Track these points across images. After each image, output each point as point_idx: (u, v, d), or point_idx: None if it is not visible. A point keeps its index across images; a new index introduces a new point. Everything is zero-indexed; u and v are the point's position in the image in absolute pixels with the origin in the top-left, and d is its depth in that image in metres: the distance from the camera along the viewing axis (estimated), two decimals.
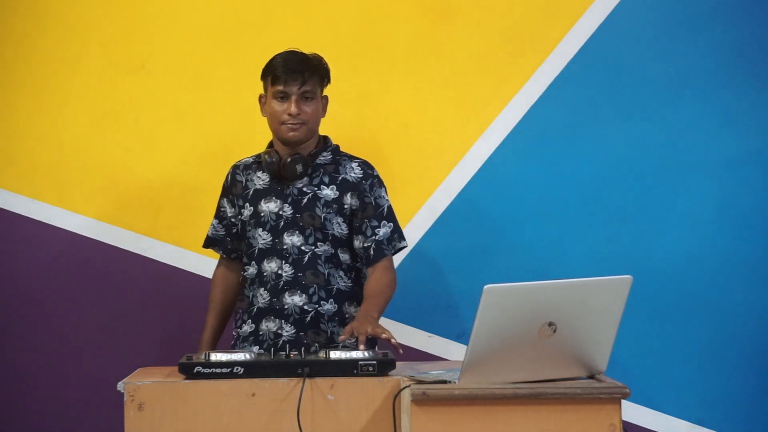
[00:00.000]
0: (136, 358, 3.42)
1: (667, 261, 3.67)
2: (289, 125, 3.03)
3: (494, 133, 3.70)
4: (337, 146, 3.15)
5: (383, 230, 3.10)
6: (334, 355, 2.64)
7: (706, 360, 3.66)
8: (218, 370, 2.60)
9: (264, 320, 3.06)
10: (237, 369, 2.61)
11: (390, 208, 3.13)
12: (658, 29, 3.71)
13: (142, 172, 3.70)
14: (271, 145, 3.14)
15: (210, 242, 3.22)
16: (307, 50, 3.14)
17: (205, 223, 3.65)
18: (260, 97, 3.12)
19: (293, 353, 2.69)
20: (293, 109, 3.02)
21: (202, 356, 2.65)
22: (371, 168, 3.14)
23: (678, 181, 3.69)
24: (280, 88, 3.03)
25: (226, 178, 3.19)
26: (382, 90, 3.73)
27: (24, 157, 3.70)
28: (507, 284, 2.43)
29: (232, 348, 3.13)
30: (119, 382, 2.60)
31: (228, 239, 3.18)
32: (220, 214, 3.19)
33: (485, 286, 2.39)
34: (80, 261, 3.68)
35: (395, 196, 3.64)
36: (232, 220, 3.16)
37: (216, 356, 2.63)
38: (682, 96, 3.70)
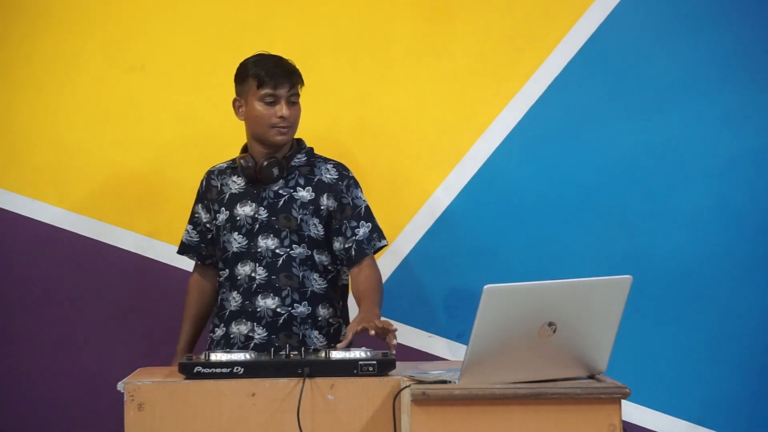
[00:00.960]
0: (136, 358, 3.42)
1: (667, 261, 3.67)
2: (280, 128, 3.03)
3: (494, 133, 3.70)
4: (311, 148, 3.15)
5: (362, 230, 3.08)
6: (334, 355, 2.65)
7: (706, 360, 3.66)
8: (218, 370, 2.60)
9: (234, 323, 3.06)
10: (237, 369, 2.61)
11: (368, 207, 3.12)
12: (658, 29, 3.71)
13: (143, 172, 3.70)
14: (245, 149, 3.14)
15: (184, 249, 3.21)
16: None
17: None
18: (235, 101, 3.10)
19: (293, 353, 2.69)
20: (285, 111, 3.02)
21: (202, 356, 2.66)
22: (346, 169, 3.14)
23: (678, 181, 3.69)
24: (270, 91, 3.02)
25: (201, 183, 3.18)
26: (382, 90, 3.73)
27: (25, 157, 3.70)
28: (507, 284, 2.43)
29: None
30: (119, 382, 2.60)
31: (202, 245, 3.17)
32: (194, 220, 3.18)
33: (485, 286, 2.39)
34: (80, 261, 3.68)
35: (395, 196, 3.65)
36: (207, 225, 3.15)
37: (216, 356, 2.63)
38: (682, 96, 3.70)
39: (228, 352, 2.67)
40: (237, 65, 3.13)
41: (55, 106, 3.70)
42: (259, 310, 3.04)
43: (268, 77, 3.02)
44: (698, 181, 3.69)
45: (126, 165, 3.70)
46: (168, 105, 3.70)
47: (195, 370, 2.61)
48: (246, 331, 3.04)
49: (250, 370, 2.61)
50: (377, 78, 3.72)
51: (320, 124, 3.66)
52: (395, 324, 3.57)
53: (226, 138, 3.60)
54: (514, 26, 3.71)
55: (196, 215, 3.18)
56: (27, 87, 3.71)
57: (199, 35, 3.71)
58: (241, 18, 3.71)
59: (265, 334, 3.03)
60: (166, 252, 3.66)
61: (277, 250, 3.05)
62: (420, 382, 2.53)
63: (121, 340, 3.67)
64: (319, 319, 3.07)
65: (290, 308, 3.04)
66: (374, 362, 2.62)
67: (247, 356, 2.64)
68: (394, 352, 2.74)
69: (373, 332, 2.76)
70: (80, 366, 3.67)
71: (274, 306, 3.03)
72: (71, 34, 3.70)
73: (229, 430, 2.58)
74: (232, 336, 3.06)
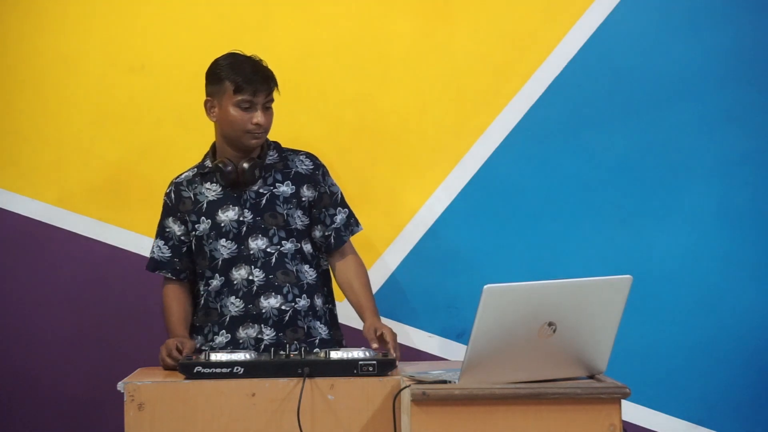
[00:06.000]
0: (136, 358, 3.42)
1: (667, 261, 3.67)
2: (255, 134, 3.03)
3: (494, 133, 3.70)
4: (278, 143, 3.17)
5: (340, 216, 3.14)
6: (334, 355, 2.65)
7: (706, 360, 3.66)
8: (218, 370, 2.61)
9: (241, 328, 3.04)
10: (237, 369, 2.61)
11: (342, 194, 3.17)
12: (658, 29, 3.71)
13: (142, 172, 3.70)
14: (213, 152, 3.13)
15: (156, 265, 3.12)
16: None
17: None
18: (206, 101, 3.08)
19: (293, 353, 2.69)
20: (261, 119, 3.01)
21: (202, 356, 2.66)
22: (317, 158, 3.17)
23: (678, 181, 3.69)
24: (247, 97, 3.00)
25: (168, 197, 3.13)
26: (382, 90, 3.72)
27: (24, 157, 3.70)
28: (507, 284, 2.43)
29: None
30: (119, 382, 2.61)
31: (176, 260, 3.11)
32: (165, 235, 3.12)
33: (485, 286, 2.39)
34: (80, 261, 3.68)
35: (395, 196, 3.65)
36: (182, 238, 3.11)
37: (216, 356, 2.63)
38: (682, 96, 3.70)
39: (228, 351, 2.67)
40: None
41: (55, 106, 3.70)
42: (264, 311, 3.03)
43: (246, 83, 3.00)
44: (698, 181, 3.69)
45: (126, 165, 3.70)
46: (168, 105, 3.70)
47: (195, 370, 2.61)
48: (254, 334, 3.03)
49: (250, 370, 2.61)
50: (377, 78, 3.72)
51: (320, 124, 3.66)
52: (395, 324, 3.61)
53: None
54: (514, 26, 3.71)
55: (167, 230, 3.12)
56: (27, 87, 3.70)
57: (199, 35, 3.71)
58: (241, 18, 3.71)
59: (273, 333, 3.03)
60: None
61: (269, 249, 3.05)
62: (420, 382, 2.53)
63: (121, 340, 3.66)
64: (317, 308, 3.09)
65: (293, 303, 3.04)
66: (374, 362, 2.62)
67: (247, 356, 2.65)
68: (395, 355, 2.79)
69: (394, 346, 2.86)
70: (80, 366, 3.66)
71: (278, 305, 3.03)
72: (72, 34, 3.70)
73: (229, 430, 2.58)
74: (240, 341, 3.04)
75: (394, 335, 2.90)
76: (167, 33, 3.71)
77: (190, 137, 3.70)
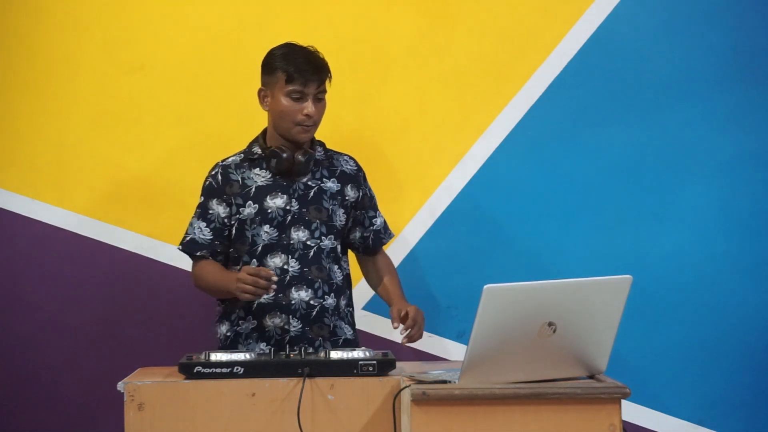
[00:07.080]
0: (136, 358, 3.42)
1: (667, 261, 3.67)
2: (304, 126, 3.02)
3: (494, 133, 3.71)
4: (323, 142, 3.17)
5: (379, 220, 3.18)
6: (334, 355, 2.65)
7: (706, 360, 3.66)
8: (218, 370, 2.61)
9: (268, 316, 3.03)
10: (237, 369, 2.61)
11: (376, 200, 3.21)
12: (657, 30, 3.71)
13: (143, 172, 3.70)
14: (263, 138, 3.11)
15: (196, 246, 3.06)
16: None
17: None
18: (260, 90, 3.07)
19: (293, 353, 2.69)
20: (311, 110, 3.01)
21: (202, 356, 2.66)
22: (357, 161, 3.20)
23: (678, 181, 3.69)
24: (298, 87, 3.00)
25: (215, 179, 3.07)
26: (382, 90, 3.73)
27: (24, 157, 3.70)
28: (507, 284, 2.43)
29: (231, 346, 3.07)
30: (119, 382, 2.61)
31: (216, 243, 3.06)
32: (208, 217, 3.06)
33: (485, 286, 2.39)
34: (80, 261, 3.68)
35: (395, 196, 3.65)
36: (225, 221, 3.06)
37: (216, 356, 2.63)
38: (682, 96, 3.70)
39: (228, 352, 2.67)
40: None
41: (55, 106, 3.70)
42: (293, 302, 3.02)
43: (297, 73, 2.99)
44: (698, 181, 3.69)
45: (126, 165, 3.70)
46: (168, 105, 3.70)
47: (195, 370, 2.61)
48: (281, 324, 3.02)
49: (250, 370, 2.61)
50: (377, 78, 3.72)
51: (320, 124, 3.65)
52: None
53: (226, 138, 3.61)
54: (514, 26, 3.71)
55: (211, 212, 3.07)
56: (27, 87, 3.70)
57: (199, 35, 3.71)
58: (241, 18, 3.71)
59: (300, 326, 3.02)
60: (167, 252, 3.66)
61: (308, 242, 3.05)
62: (420, 382, 2.53)
63: (121, 340, 3.67)
64: (341, 309, 3.09)
65: (322, 300, 3.04)
66: (374, 362, 2.62)
67: (247, 356, 2.65)
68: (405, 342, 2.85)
69: (410, 324, 2.89)
70: (80, 366, 3.66)
71: (307, 298, 3.03)
72: (71, 34, 3.70)
73: (229, 430, 2.58)
74: (267, 329, 3.03)
75: (420, 313, 2.92)
76: (167, 33, 3.71)
77: (190, 137, 3.70)
